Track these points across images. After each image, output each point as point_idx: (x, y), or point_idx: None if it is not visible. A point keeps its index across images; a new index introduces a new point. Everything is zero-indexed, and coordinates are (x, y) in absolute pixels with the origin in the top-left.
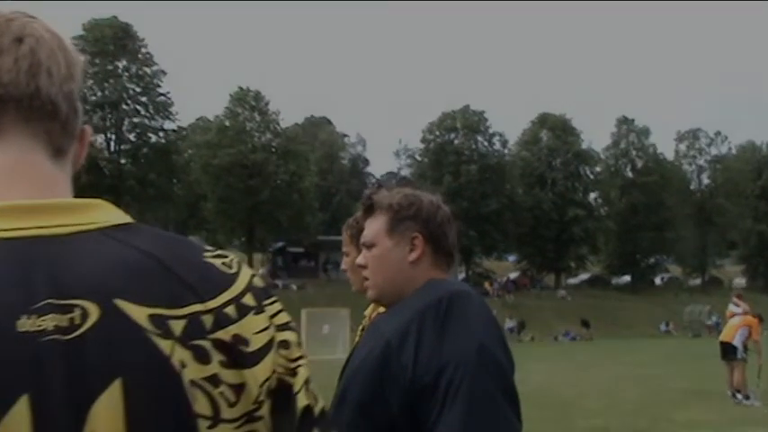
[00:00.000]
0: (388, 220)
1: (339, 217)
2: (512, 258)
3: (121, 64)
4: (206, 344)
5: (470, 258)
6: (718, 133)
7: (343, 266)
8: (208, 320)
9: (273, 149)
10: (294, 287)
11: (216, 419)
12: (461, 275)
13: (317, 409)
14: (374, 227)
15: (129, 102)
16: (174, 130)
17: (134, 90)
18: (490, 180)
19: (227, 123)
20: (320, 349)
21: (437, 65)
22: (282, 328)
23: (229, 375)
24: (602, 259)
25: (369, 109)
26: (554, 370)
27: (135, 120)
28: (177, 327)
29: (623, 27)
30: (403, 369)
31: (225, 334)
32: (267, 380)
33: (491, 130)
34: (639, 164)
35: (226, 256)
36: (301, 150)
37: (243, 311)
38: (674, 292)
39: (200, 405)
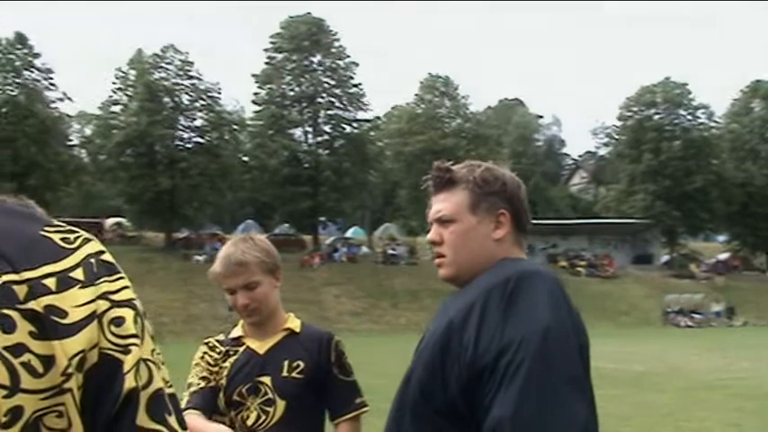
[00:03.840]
0: (472, 195)
1: (534, 200)
2: (720, 239)
3: (316, 59)
4: (13, 313)
5: (674, 239)
6: None
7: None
8: (21, 291)
9: (463, 134)
10: None
11: (14, 389)
12: (665, 257)
13: (145, 392)
14: (454, 201)
15: (324, 95)
16: (366, 120)
17: (328, 83)
18: (695, 156)
19: (418, 111)
20: None
21: (633, 36)
22: (121, 305)
23: (38, 346)
24: None
25: (563, 88)
26: (764, 358)
27: (330, 112)
28: None
29: None
30: (464, 348)
31: (37, 305)
32: (81, 353)
33: (695, 103)
34: None
35: (73, 233)
36: (491, 134)
37: (66, 285)
38: None
39: None
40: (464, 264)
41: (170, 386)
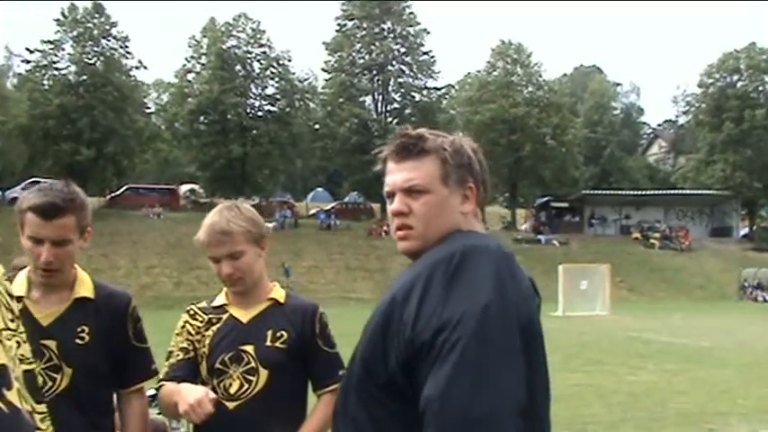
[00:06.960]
0: (444, 166)
1: (609, 170)
2: None
3: (387, 26)
4: None
5: (754, 211)
6: None
7: None
8: None
9: (535, 103)
10: (556, 243)
11: None
12: (744, 230)
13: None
14: (426, 171)
15: (394, 63)
16: (437, 88)
17: (398, 51)
18: None
19: (489, 79)
20: (578, 305)
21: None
22: None
23: None
24: None
25: (643, 54)
26: None
27: (400, 80)
28: None
29: None
30: (404, 325)
31: None
32: None
33: None
34: None
35: None
36: (564, 102)
37: None
38: None
39: None
40: (432, 237)
41: (30, 363)
